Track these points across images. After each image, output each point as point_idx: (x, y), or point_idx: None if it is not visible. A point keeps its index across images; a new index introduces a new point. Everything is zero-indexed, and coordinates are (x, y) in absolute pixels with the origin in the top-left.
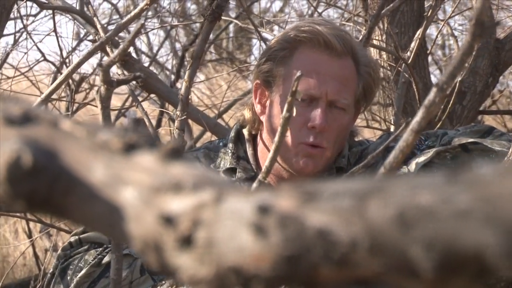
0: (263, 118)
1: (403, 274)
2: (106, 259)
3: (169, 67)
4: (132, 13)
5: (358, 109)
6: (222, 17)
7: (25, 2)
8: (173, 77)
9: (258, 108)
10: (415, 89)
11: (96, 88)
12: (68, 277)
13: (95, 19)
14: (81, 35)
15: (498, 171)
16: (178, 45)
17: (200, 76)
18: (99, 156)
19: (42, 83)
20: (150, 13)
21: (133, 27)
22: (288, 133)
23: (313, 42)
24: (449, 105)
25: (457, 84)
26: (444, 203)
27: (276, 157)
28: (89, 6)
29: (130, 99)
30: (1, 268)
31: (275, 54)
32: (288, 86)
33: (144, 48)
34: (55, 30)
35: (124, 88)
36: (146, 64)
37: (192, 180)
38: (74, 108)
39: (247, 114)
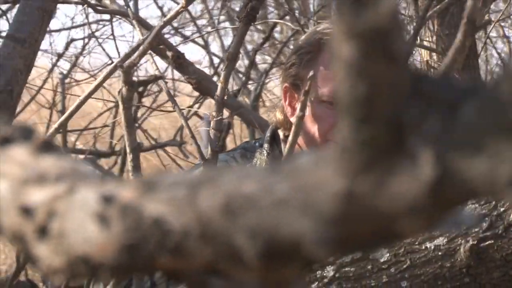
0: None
1: (233, 262)
2: None
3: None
4: (168, 16)
5: None
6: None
7: (85, 7)
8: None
9: (288, 110)
10: None
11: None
12: None
13: (134, 22)
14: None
15: (313, 160)
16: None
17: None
18: None
19: (111, 86)
20: (222, 17)
21: (190, 32)
22: (318, 134)
23: None
24: None
25: None
26: (265, 192)
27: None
28: (128, 8)
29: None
30: None
31: (301, 58)
32: (315, 88)
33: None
34: (113, 34)
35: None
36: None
37: (56, 172)
38: (144, 111)
39: (279, 116)
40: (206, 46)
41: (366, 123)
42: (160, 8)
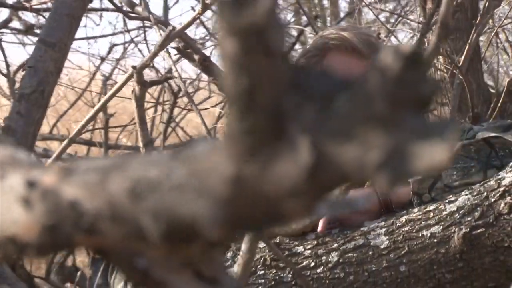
0: None
1: (141, 242)
2: None
3: None
4: (186, 22)
5: None
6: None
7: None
8: None
9: None
10: (467, 90)
11: (200, 91)
12: None
13: (155, 26)
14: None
15: (208, 147)
16: None
17: None
18: None
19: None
20: None
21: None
22: None
23: (341, 48)
24: (499, 104)
25: (507, 84)
26: (165, 177)
27: None
28: (151, 14)
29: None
30: None
31: (308, 61)
32: None
33: None
34: (145, 39)
35: None
36: None
37: None
38: (179, 111)
39: None
40: None
41: (249, 113)
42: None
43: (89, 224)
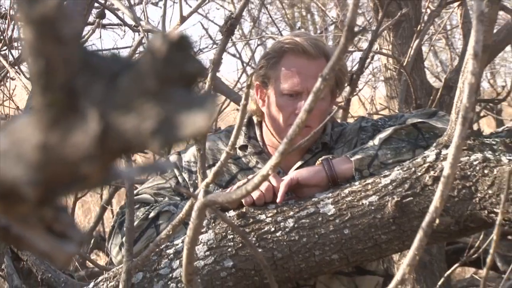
0: (264, 109)
1: None
2: (151, 214)
3: None
4: (168, 31)
5: (334, 96)
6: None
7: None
8: None
9: (259, 102)
10: (411, 86)
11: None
12: (124, 228)
13: (145, 34)
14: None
15: (26, 120)
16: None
17: None
18: None
19: None
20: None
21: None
22: (281, 120)
23: (294, 51)
24: (438, 96)
25: (444, 80)
26: None
27: (239, 133)
28: (150, 24)
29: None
30: None
31: (267, 62)
32: (278, 85)
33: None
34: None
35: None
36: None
37: None
38: None
39: (253, 106)
40: (240, 56)
41: (47, 90)
42: (206, 29)
43: None
